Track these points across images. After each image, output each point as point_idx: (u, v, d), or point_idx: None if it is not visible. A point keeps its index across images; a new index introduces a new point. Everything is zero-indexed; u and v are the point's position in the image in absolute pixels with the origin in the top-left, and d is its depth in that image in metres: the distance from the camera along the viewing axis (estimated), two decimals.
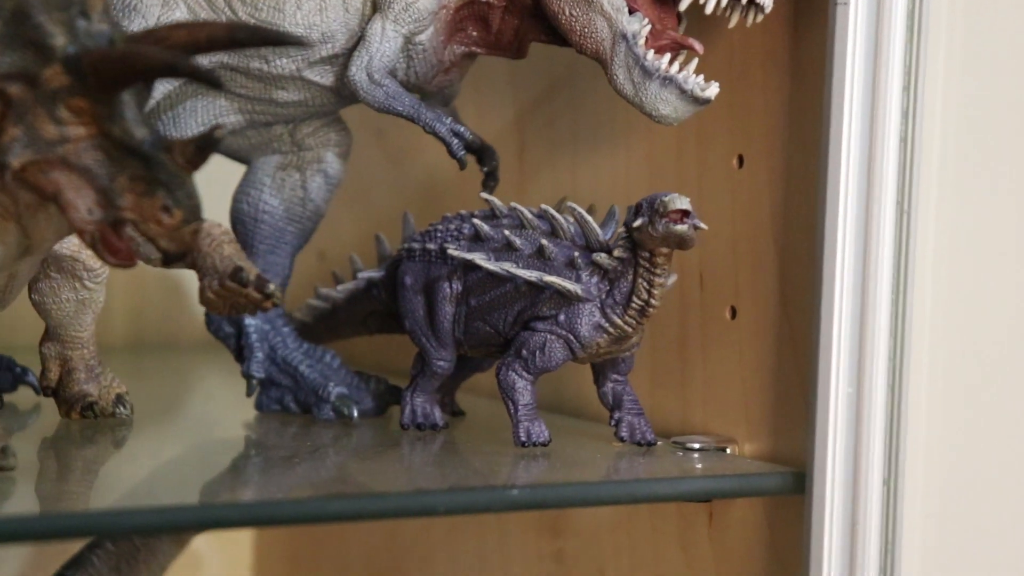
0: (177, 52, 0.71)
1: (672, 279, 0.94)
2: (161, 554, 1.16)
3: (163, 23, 0.96)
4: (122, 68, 0.71)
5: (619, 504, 0.82)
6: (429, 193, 1.23)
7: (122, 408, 0.97)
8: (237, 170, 1.06)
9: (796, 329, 0.91)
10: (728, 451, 0.95)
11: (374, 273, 1.03)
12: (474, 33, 0.97)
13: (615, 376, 0.94)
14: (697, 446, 0.95)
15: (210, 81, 0.70)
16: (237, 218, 1.04)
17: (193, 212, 0.74)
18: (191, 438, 0.98)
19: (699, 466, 0.90)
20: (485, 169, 1.03)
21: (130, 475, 0.90)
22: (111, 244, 0.75)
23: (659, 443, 0.94)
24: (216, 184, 1.08)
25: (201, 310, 1.02)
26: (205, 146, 0.73)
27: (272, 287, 0.80)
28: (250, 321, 1.03)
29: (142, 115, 0.74)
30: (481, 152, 1.03)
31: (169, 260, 0.75)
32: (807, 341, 0.89)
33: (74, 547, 1.12)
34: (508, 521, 1.12)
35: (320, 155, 1.04)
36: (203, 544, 1.41)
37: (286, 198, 1.03)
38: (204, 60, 0.97)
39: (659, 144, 1.02)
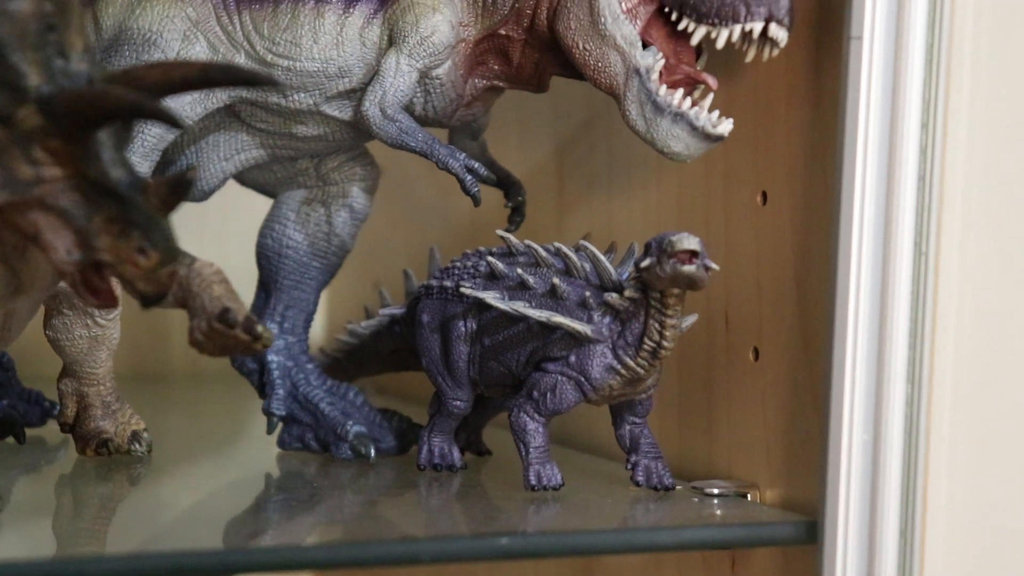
0: (143, 93, 0.70)
1: (691, 319, 0.91)
2: None
3: (184, 55, 0.95)
4: (91, 108, 0.70)
5: (615, 553, 0.79)
6: (477, 224, 1.21)
7: (137, 445, 0.96)
8: (266, 205, 1.05)
9: (815, 372, 0.88)
10: (748, 497, 0.92)
11: (396, 310, 1.02)
12: (495, 67, 0.95)
13: (632, 419, 0.92)
14: (716, 491, 0.92)
15: (172, 122, 0.69)
16: (262, 253, 1.03)
17: (169, 254, 0.72)
18: (205, 477, 0.97)
19: (713, 513, 0.87)
20: (510, 204, 1.02)
21: (141, 515, 0.89)
22: (92, 285, 0.74)
23: (678, 487, 0.92)
24: (246, 219, 1.09)
25: None
26: (179, 187, 0.72)
27: (261, 328, 0.79)
28: (272, 357, 1.02)
29: (119, 156, 0.73)
30: (506, 187, 1.02)
31: (147, 302, 0.74)
32: (828, 383, 0.86)
33: None
34: (542, 568, 1.10)
35: (345, 189, 1.03)
36: None
37: (311, 233, 1.02)
38: (223, 96, 0.96)
39: (688, 179, 0.99)
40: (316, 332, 1.34)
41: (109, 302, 0.75)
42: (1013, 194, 0.84)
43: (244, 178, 1.04)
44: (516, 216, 1.02)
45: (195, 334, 0.80)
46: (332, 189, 1.03)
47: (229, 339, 0.79)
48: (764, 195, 0.93)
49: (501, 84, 0.96)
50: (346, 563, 0.74)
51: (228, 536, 0.79)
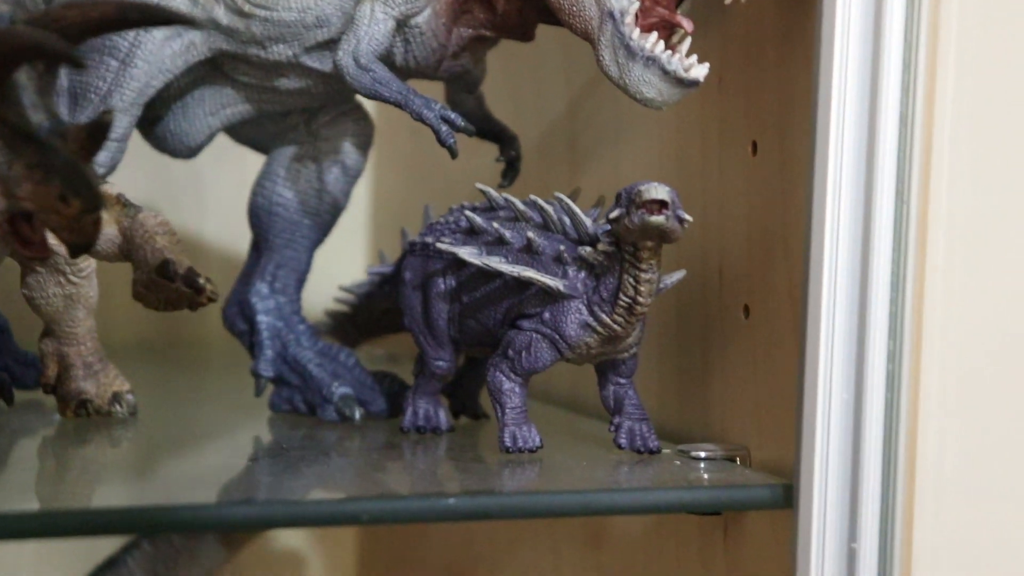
0: (48, 34, 0.68)
1: (677, 276, 0.87)
2: (205, 558, 1.13)
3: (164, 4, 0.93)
4: (9, 50, 0.68)
5: (569, 515, 0.76)
6: (524, 176, 1.17)
7: (119, 407, 0.94)
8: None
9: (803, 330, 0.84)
10: (737, 461, 0.88)
11: (385, 269, 0.99)
12: (480, 15, 0.92)
13: (617, 379, 0.88)
14: (703, 455, 0.88)
15: (75, 62, 0.66)
16: (253, 211, 1.01)
17: (92, 201, 0.70)
18: (187, 437, 0.95)
19: (684, 476, 0.83)
20: (502, 159, 0.99)
21: (116, 474, 0.87)
22: (23, 235, 0.72)
23: (666, 451, 0.88)
24: (241, 177, 1.07)
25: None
26: (97, 132, 0.69)
27: (203, 281, 0.77)
28: (262, 318, 0.99)
29: (41, 100, 0.71)
30: (500, 141, 0.99)
31: (74, 251, 0.71)
32: (804, 339, 0.81)
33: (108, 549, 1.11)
34: (557, 532, 1.06)
35: (337, 146, 1.00)
36: (305, 545, 1.39)
37: (301, 190, 1.00)
38: (204, 49, 0.94)
39: (686, 130, 0.96)
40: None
41: (41, 253, 0.73)
42: (1000, 137, 0.80)
43: (237, 135, 1.02)
44: (510, 171, 0.99)
45: (137, 286, 0.78)
46: (323, 145, 1.00)
47: (170, 292, 0.77)
48: (754, 146, 0.89)
49: (487, 33, 0.93)
50: (281, 522, 0.71)
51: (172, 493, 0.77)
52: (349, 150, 1.00)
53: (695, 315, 0.94)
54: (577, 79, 1.09)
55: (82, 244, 0.71)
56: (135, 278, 0.77)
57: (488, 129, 1.00)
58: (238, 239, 1.14)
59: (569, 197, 0.91)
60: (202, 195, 1.33)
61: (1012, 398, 0.81)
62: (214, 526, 0.71)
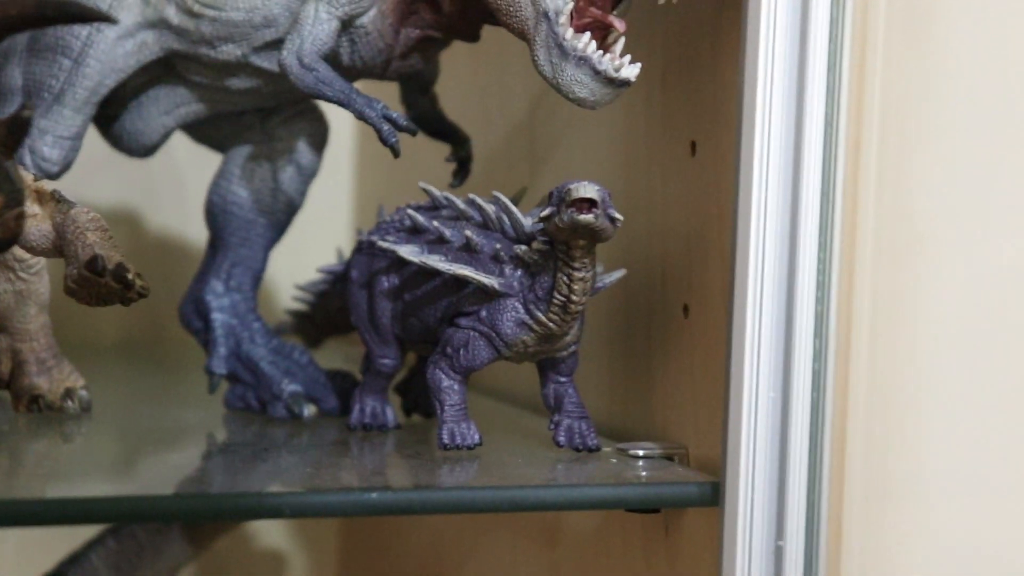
0: None
1: (617, 275, 0.88)
2: (169, 555, 1.14)
3: (115, 7, 0.94)
4: None
5: (498, 512, 0.77)
6: (488, 175, 1.18)
7: (71, 402, 0.95)
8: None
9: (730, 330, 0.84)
10: (676, 460, 0.88)
11: (335, 268, 1.00)
12: (426, 16, 0.93)
13: (557, 377, 0.89)
14: (642, 453, 0.89)
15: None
16: (209, 210, 1.02)
17: (14, 196, 0.71)
18: (137, 433, 0.96)
19: (616, 473, 0.84)
20: (452, 159, 0.99)
21: (64, 467, 0.88)
22: None
23: (605, 449, 0.89)
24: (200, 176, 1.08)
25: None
26: (16, 128, 0.71)
27: (132, 276, 0.78)
28: (217, 316, 1.00)
29: None
30: (452, 141, 1.00)
31: None
32: (730, 338, 0.82)
33: (71, 544, 1.12)
34: (517, 530, 1.07)
35: (292, 145, 1.01)
36: (285, 541, 1.40)
37: (255, 189, 1.01)
38: (156, 49, 0.95)
39: (632, 129, 0.96)
40: None
41: None
42: (926, 133, 0.80)
43: (195, 134, 1.03)
44: (461, 171, 1.00)
45: (68, 282, 0.79)
46: (278, 145, 1.01)
47: (100, 287, 0.78)
48: (693, 146, 0.89)
49: (434, 34, 0.94)
50: (208, 515, 0.72)
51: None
52: (303, 150, 1.01)
53: (638, 314, 0.94)
54: (538, 80, 1.09)
55: (6, 239, 0.72)
56: (66, 273, 0.78)
57: (441, 129, 1.01)
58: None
59: (515, 197, 0.92)
60: (181, 194, 1.34)
61: (937, 394, 0.81)
62: (155, 517, 0.72)
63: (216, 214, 1.02)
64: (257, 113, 1.00)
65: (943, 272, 0.81)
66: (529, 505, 0.77)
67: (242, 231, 1.01)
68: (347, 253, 1.06)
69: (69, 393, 0.95)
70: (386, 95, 0.97)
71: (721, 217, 0.86)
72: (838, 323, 0.80)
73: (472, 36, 0.94)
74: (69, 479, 0.84)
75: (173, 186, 1.34)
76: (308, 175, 1.02)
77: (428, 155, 1.07)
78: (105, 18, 0.71)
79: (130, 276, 0.77)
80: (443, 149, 1.03)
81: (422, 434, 0.95)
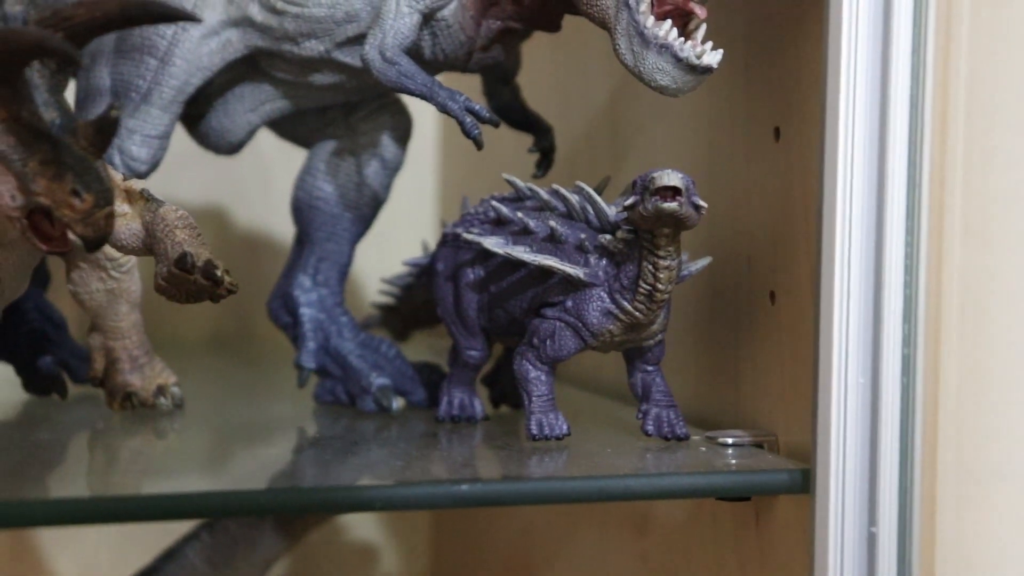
0: (50, 33, 0.70)
1: (703, 263, 0.88)
2: (263, 548, 1.15)
3: (200, 6, 0.95)
4: (17, 48, 0.70)
5: (587, 502, 0.77)
6: (571, 165, 1.18)
7: (163, 399, 0.96)
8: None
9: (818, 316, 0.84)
10: (765, 447, 0.88)
11: (422, 260, 1.01)
12: (508, 7, 0.93)
13: (644, 366, 0.89)
14: (731, 441, 0.88)
15: (70, 59, 0.68)
16: (295, 206, 1.03)
17: (104, 196, 0.72)
18: (228, 428, 0.97)
19: (707, 462, 0.83)
20: (535, 150, 0.99)
21: (158, 462, 0.89)
22: (42, 231, 0.74)
23: (694, 438, 0.88)
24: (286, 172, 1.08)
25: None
26: (105, 128, 0.72)
27: (221, 273, 0.78)
28: (305, 310, 1.01)
29: (53, 98, 0.73)
30: (535, 132, 1.00)
31: (90, 246, 0.73)
32: (818, 325, 0.81)
33: (168, 539, 1.13)
34: (607, 519, 1.07)
35: (375, 139, 1.01)
36: (378, 534, 1.40)
37: (341, 184, 1.01)
38: (240, 46, 0.96)
39: (715, 116, 0.96)
40: None
41: (60, 247, 0.75)
42: (1015, 119, 0.79)
43: (279, 130, 1.04)
44: (544, 162, 1.00)
45: (158, 280, 0.80)
46: (362, 139, 1.01)
47: (190, 284, 0.79)
48: (777, 131, 0.89)
49: (515, 25, 0.94)
50: (300, 508, 0.73)
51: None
52: (387, 143, 1.01)
53: (725, 302, 0.94)
54: (619, 69, 1.09)
55: (96, 238, 0.73)
56: (156, 271, 0.79)
57: (524, 120, 1.01)
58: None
59: (598, 186, 0.92)
60: (268, 190, 1.35)
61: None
62: (228, 511, 0.73)
63: (302, 210, 1.02)
64: (341, 108, 1.01)
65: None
66: (619, 494, 0.77)
67: (328, 226, 1.02)
68: (432, 246, 1.07)
69: (162, 390, 0.96)
70: (468, 87, 0.98)
71: (806, 203, 0.86)
72: (927, 307, 0.79)
73: (553, 26, 0.94)
74: (164, 475, 0.85)
75: (259, 182, 1.35)
76: (393, 169, 1.02)
77: (510, 146, 1.07)
78: (189, 17, 0.72)
79: (219, 273, 0.78)
80: (525, 140, 1.03)
81: (511, 425, 0.95)
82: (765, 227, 0.90)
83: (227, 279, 0.78)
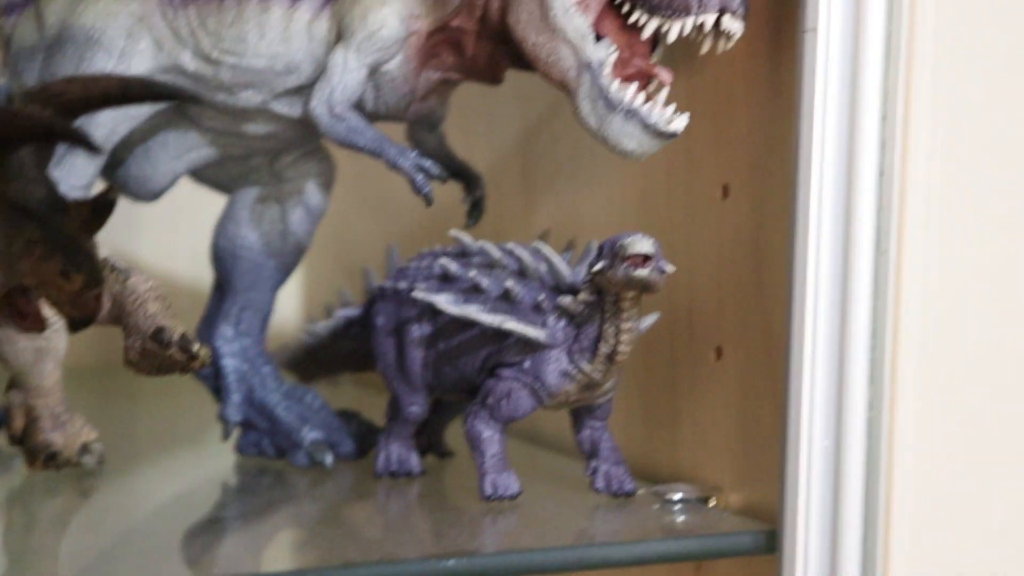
0: (56, 115, 0.67)
1: (651, 319, 0.88)
2: None
3: (128, 54, 0.92)
4: (3, 130, 0.68)
5: (569, 571, 0.77)
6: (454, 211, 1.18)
7: (88, 457, 0.93)
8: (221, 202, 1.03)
9: (776, 373, 0.85)
10: (711, 502, 0.89)
11: (352, 312, 0.99)
12: (448, 59, 0.92)
13: (592, 422, 0.89)
14: (678, 496, 0.89)
15: (86, 145, 0.66)
16: (216, 254, 1.01)
17: (93, 276, 0.70)
18: (159, 487, 0.94)
19: (671, 524, 0.84)
20: (468, 199, 0.99)
21: (93, 531, 0.87)
22: (19, 308, 0.72)
23: (640, 491, 0.89)
24: (202, 217, 1.06)
25: None
26: (101, 209, 0.69)
27: (197, 347, 0.77)
28: (228, 362, 0.99)
29: (40, 174, 0.70)
30: (465, 180, 0.99)
31: (75, 327, 0.71)
32: (787, 387, 0.83)
33: None
34: None
35: (300, 186, 1.00)
36: None
37: (265, 232, 1.00)
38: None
39: (650, 171, 0.96)
40: (290, 319, 1.32)
41: (36, 326, 0.72)
42: (976, 188, 0.81)
43: (198, 176, 1.01)
44: (475, 211, 0.99)
45: (130, 354, 0.78)
46: (287, 186, 1.00)
47: (164, 358, 0.77)
48: (725, 189, 0.90)
49: (455, 76, 0.93)
50: None
51: (184, 553, 0.77)
52: (312, 190, 1.00)
53: (664, 355, 0.95)
54: (531, 110, 1.10)
55: (84, 319, 0.71)
56: (128, 345, 0.77)
57: (451, 168, 1.00)
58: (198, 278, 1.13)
59: (540, 239, 0.92)
60: (174, 234, 1.32)
61: (989, 442, 0.83)
62: None
63: (224, 258, 1.00)
64: (265, 154, 0.99)
65: (990, 321, 0.83)
66: (598, 562, 0.78)
67: (251, 274, 1.00)
68: (352, 295, 1.05)
69: (85, 448, 0.94)
70: (392, 131, 0.96)
71: (760, 260, 0.87)
72: (891, 371, 0.81)
73: (495, 79, 0.93)
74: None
75: (165, 226, 1.32)
76: (317, 215, 1.01)
77: (382, 184, 1.06)
78: (191, 97, 0.70)
79: (195, 347, 0.76)
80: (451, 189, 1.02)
81: (447, 480, 0.95)
82: (709, 282, 0.91)
83: (203, 353, 0.76)
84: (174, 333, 0.76)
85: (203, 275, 1.04)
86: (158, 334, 0.76)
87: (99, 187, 0.88)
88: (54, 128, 0.66)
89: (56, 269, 0.69)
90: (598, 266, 0.82)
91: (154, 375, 0.77)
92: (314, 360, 1.05)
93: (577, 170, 1.05)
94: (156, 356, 0.76)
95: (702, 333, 0.92)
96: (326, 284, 1.28)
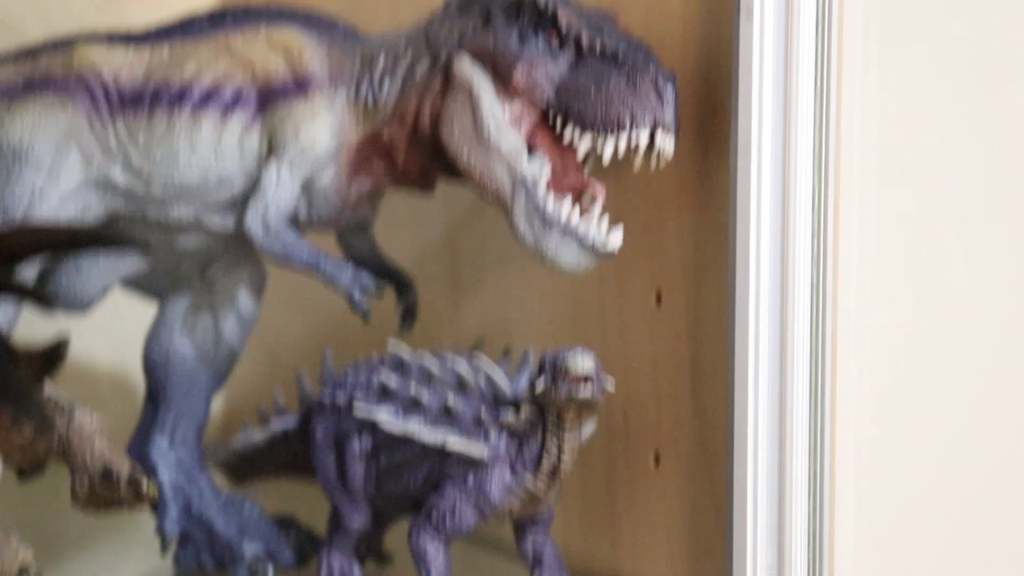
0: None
1: (588, 428, 0.89)
2: None
3: (56, 168, 0.92)
4: None
5: None
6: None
7: None
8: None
9: (716, 479, 0.86)
10: None
11: (288, 424, 0.98)
12: (380, 169, 0.92)
13: (535, 532, 0.89)
14: None
15: (36, 297, 0.65)
16: (148, 365, 1.00)
17: (43, 425, 0.70)
18: None
19: None
20: (401, 303, 0.99)
21: None
22: None
23: None
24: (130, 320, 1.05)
25: None
26: (53, 358, 0.69)
27: (146, 485, 0.76)
28: (165, 475, 0.98)
29: None
30: (397, 285, 0.99)
31: (25, 476, 0.71)
32: (726, 492, 0.84)
33: None
34: None
35: (232, 293, 0.99)
36: None
37: (198, 340, 0.99)
38: (100, 211, 0.93)
39: (581, 276, 0.97)
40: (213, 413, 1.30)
41: None
42: (912, 289, 0.83)
43: (128, 284, 1.01)
44: (408, 316, 0.99)
45: (77, 493, 0.77)
46: (218, 294, 0.99)
47: (113, 498, 0.76)
48: (658, 295, 0.91)
49: (387, 185, 0.93)
50: None
51: None
52: (244, 297, 1.00)
53: (601, 461, 0.95)
54: (458, 205, 1.10)
55: (34, 468, 0.70)
56: (75, 484, 0.77)
57: (383, 272, 1.00)
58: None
59: (475, 347, 0.92)
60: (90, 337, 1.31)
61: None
62: None
63: (157, 368, 1.00)
64: (195, 261, 0.99)
65: (934, 436, 0.84)
66: None
67: (185, 384, 0.99)
68: (280, 399, 1.04)
69: (23, 571, 0.92)
70: (321, 237, 0.96)
71: (696, 367, 0.88)
72: (830, 473, 0.82)
73: (427, 187, 0.93)
74: None
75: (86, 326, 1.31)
76: (249, 322, 1.00)
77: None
78: (141, 246, 0.70)
79: (144, 485, 0.76)
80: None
81: None
82: (645, 389, 0.92)
83: (151, 491, 0.76)
84: (123, 472, 0.75)
85: (128, 372, 1.03)
86: (107, 474, 0.75)
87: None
88: (3, 286, 0.66)
89: (5, 420, 0.69)
90: (540, 387, 0.83)
91: (102, 513, 0.77)
92: (249, 464, 1.05)
93: (505, 268, 1.05)
94: (105, 495, 0.76)
95: (639, 439, 0.93)
96: (248, 375, 1.27)
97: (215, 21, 0.94)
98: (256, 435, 1.02)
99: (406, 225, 1.13)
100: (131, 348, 1.03)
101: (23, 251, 0.69)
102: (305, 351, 1.19)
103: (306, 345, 1.22)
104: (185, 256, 0.96)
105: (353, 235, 1.00)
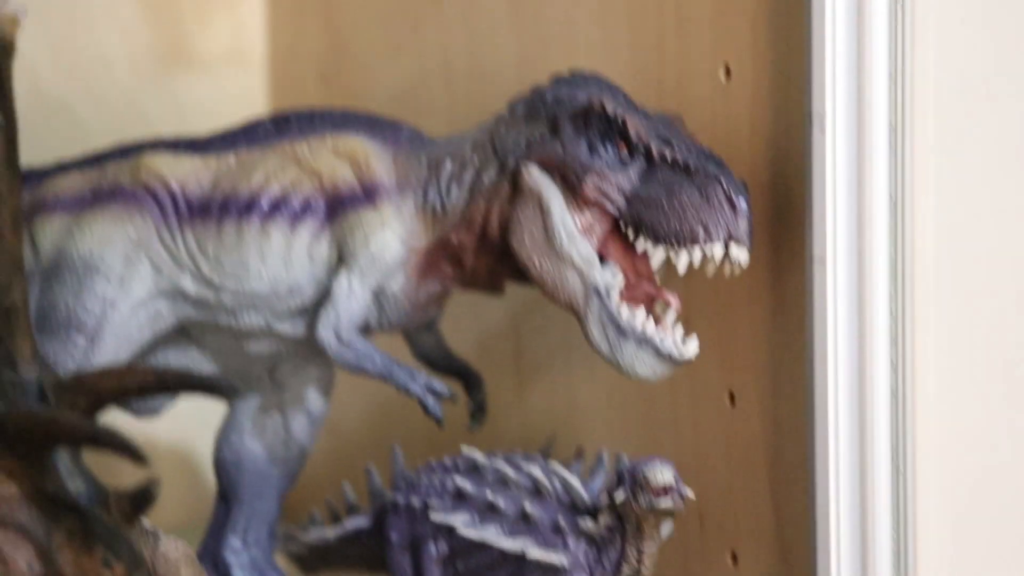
0: (98, 424, 0.67)
1: (666, 531, 0.89)
2: None
3: (127, 279, 0.92)
4: (45, 435, 0.68)
5: None
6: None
7: None
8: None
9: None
10: None
11: (361, 524, 0.99)
12: (448, 272, 0.92)
13: None
14: None
15: (129, 454, 0.66)
16: (220, 466, 1.00)
17: (135, 563, 0.70)
18: None
19: None
20: (471, 401, 0.99)
21: None
22: None
23: None
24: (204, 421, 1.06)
25: None
26: (142, 501, 0.69)
27: None
28: (238, 574, 0.99)
29: (77, 466, 0.71)
30: (465, 380, 0.99)
31: None
32: None
33: None
34: None
35: (301, 393, 1.00)
36: None
37: (268, 441, 1.00)
38: (171, 319, 0.93)
39: None
40: None
41: None
42: (985, 374, 0.83)
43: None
44: (478, 414, 0.99)
45: None
46: (287, 395, 1.00)
47: None
48: (731, 395, 0.91)
49: (454, 287, 0.94)
50: None
51: None
52: (313, 396, 1.00)
53: (677, 563, 0.95)
54: (520, 290, 1.10)
55: None
56: None
57: (450, 368, 1.00)
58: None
59: (546, 447, 0.92)
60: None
61: None
62: None
63: (228, 469, 1.00)
64: (264, 363, 0.99)
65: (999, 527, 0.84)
66: None
67: (256, 484, 1.00)
68: (349, 491, 1.04)
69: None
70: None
71: (772, 466, 0.88)
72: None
73: (495, 290, 0.94)
74: None
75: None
76: (319, 421, 1.01)
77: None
78: (229, 390, 0.70)
79: None
80: None
81: None
82: (719, 487, 0.92)
83: None
84: None
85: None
86: None
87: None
88: (96, 436, 0.66)
89: (98, 560, 0.69)
90: (619, 498, 0.83)
91: None
92: (321, 558, 1.05)
93: (571, 353, 1.05)
94: None
95: (715, 537, 0.93)
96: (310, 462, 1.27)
97: (280, 127, 0.94)
98: (329, 532, 1.03)
99: (468, 313, 1.13)
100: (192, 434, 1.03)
101: (111, 396, 0.70)
102: (365, 436, 1.20)
103: (366, 430, 1.22)
104: (254, 358, 0.97)
105: (420, 332, 1.00)
